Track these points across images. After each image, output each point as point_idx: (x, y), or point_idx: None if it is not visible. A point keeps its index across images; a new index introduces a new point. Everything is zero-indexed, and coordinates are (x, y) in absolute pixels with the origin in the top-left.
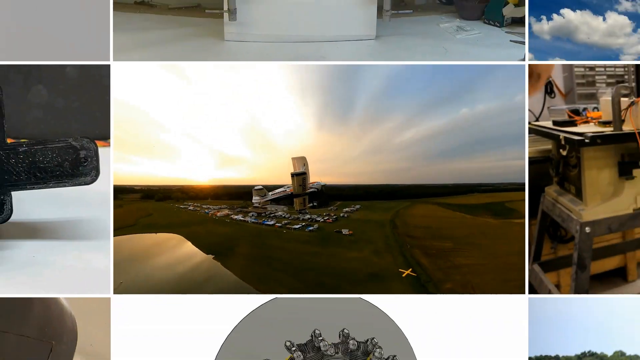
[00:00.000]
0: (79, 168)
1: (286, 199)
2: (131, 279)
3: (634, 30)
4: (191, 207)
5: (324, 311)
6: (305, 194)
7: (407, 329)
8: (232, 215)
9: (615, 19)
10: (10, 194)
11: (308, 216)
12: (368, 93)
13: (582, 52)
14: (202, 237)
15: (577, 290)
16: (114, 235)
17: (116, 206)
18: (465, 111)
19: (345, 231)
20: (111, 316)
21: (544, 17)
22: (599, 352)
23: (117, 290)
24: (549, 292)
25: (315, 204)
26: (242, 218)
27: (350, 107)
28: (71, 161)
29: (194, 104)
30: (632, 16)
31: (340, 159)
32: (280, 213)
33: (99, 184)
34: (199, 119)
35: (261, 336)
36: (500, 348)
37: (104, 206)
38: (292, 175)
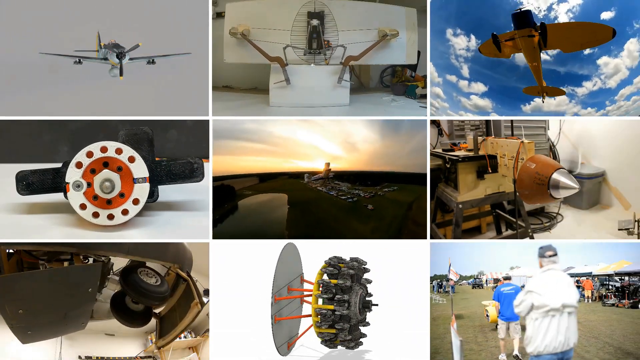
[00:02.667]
0: (194, 173)
1: (320, 180)
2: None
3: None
4: (304, 182)
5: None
6: (327, 178)
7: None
8: (317, 187)
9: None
10: (158, 187)
11: (356, 191)
12: (406, 122)
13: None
14: (296, 197)
15: (455, 237)
16: (267, 192)
17: (274, 181)
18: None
19: (369, 206)
20: (209, 252)
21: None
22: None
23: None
24: (440, 238)
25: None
26: (320, 189)
27: (398, 128)
28: (189, 170)
29: (315, 131)
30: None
31: (396, 156)
32: (343, 187)
33: (204, 182)
34: (316, 138)
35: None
36: (414, 267)
37: (207, 194)
38: (326, 169)
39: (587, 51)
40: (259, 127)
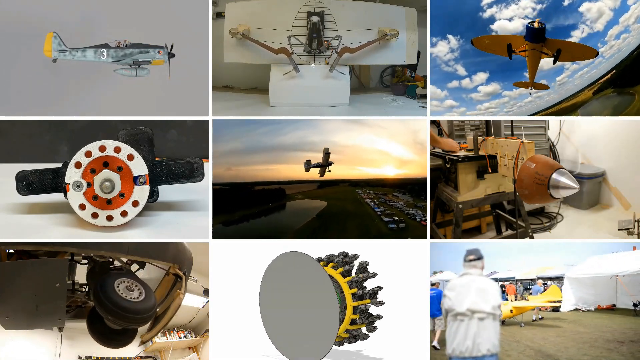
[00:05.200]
0: (193, 173)
1: (319, 166)
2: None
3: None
4: (360, 192)
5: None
6: (325, 165)
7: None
8: (367, 199)
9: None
10: (158, 187)
11: (414, 210)
12: None
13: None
14: (332, 208)
15: (455, 237)
16: (315, 199)
17: (330, 188)
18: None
19: None
20: (209, 252)
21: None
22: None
23: None
24: (440, 238)
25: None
26: (369, 202)
27: None
28: (189, 170)
29: (379, 134)
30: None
31: None
32: (399, 204)
33: (204, 182)
34: (381, 142)
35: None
36: (414, 267)
37: (207, 194)
38: (324, 153)
39: (566, 2)
40: (323, 138)
